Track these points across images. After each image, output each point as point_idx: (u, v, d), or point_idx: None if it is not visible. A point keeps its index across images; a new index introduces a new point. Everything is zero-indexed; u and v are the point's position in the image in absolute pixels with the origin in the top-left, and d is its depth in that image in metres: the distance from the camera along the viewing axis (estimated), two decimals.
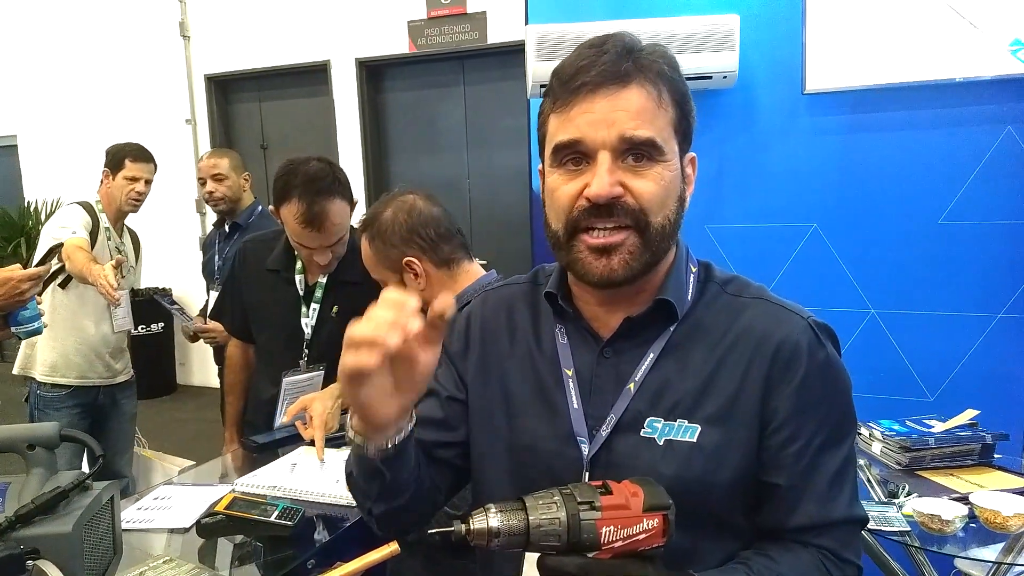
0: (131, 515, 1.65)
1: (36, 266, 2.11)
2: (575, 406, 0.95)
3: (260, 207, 3.38)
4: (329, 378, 2.20)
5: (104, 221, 3.06)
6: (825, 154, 2.83)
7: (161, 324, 6.09)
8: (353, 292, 2.17)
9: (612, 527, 0.75)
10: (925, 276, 2.72)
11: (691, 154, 0.95)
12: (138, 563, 1.48)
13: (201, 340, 3.25)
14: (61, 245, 2.76)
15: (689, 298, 0.96)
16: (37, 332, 2.12)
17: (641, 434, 0.92)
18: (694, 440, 0.90)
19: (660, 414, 0.92)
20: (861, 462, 2.16)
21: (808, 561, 0.90)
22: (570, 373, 0.97)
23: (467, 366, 1.05)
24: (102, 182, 3.07)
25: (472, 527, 0.74)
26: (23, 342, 2.99)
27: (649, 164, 0.87)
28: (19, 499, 1.09)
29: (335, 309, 2.20)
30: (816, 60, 2.72)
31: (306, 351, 2.21)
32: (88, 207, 3.03)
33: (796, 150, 2.86)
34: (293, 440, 2.09)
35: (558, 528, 0.73)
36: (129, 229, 3.25)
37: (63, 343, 3.01)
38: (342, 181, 2.08)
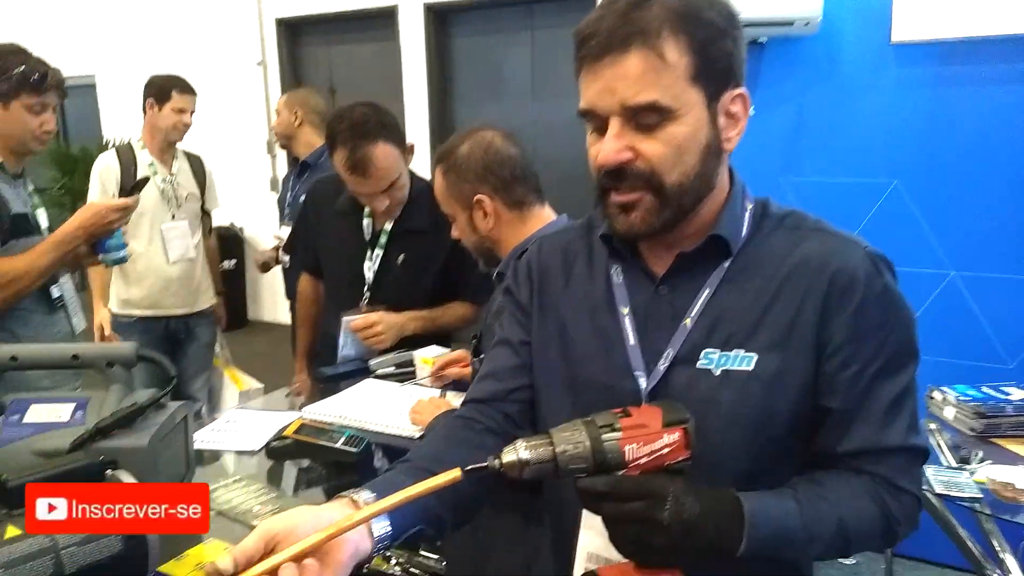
0: (203, 436, 1.72)
1: (123, 197, 2.20)
2: (631, 343, 0.96)
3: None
4: None
5: (146, 158, 3.10)
6: (911, 108, 2.70)
7: (233, 260, 6.26)
8: (419, 241, 2.20)
9: (634, 445, 0.78)
10: (1011, 238, 2.59)
11: (735, 92, 0.91)
12: (210, 481, 1.54)
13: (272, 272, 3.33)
14: (147, 179, 2.84)
15: (744, 233, 0.96)
16: (122, 260, 2.23)
17: (698, 366, 0.92)
18: (751, 368, 0.90)
19: (716, 345, 0.92)
20: (932, 426, 2.10)
21: (859, 487, 0.90)
22: (625, 311, 0.98)
23: (532, 310, 1.07)
24: (145, 113, 3.11)
25: (503, 461, 0.77)
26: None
27: (659, 125, 0.87)
28: (99, 413, 1.13)
29: (401, 258, 2.21)
30: (905, 8, 2.58)
31: (367, 294, 2.24)
32: (124, 150, 3.11)
33: (880, 103, 2.74)
34: (359, 374, 2.15)
35: (583, 452, 0.77)
36: (189, 155, 3.28)
37: (127, 276, 3.13)
38: (388, 125, 2.06)
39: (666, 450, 0.79)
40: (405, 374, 2.13)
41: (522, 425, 1.03)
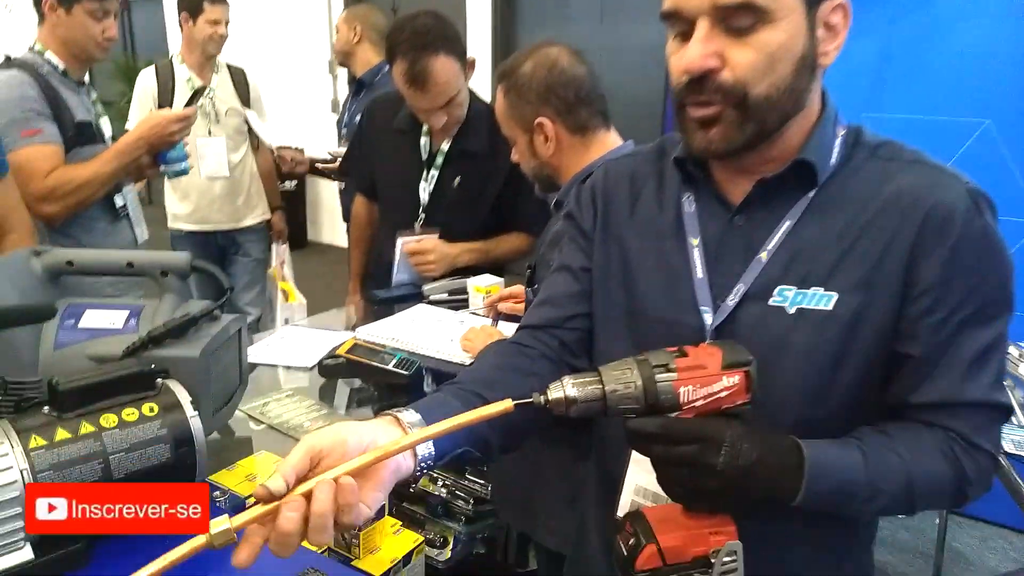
0: (258, 351, 1.74)
1: (184, 108, 2.19)
2: (699, 276, 0.90)
3: (387, 66, 3.33)
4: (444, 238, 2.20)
5: (184, 73, 3.08)
6: (1008, 41, 2.48)
7: (294, 182, 6.30)
8: (476, 164, 2.14)
9: (690, 387, 0.73)
10: None
11: (834, 1, 0.83)
12: (262, 395, 1.56)
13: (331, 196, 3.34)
14: (204, 88, 2.83)
15: (833, 161, 0.88)
16: (183, 172, 2.25)
17: (770, 303, 0.86)
18: (829, 308, 0.84)
19: (793, 282, 0.85)
20: (1006, 383, 1.99)
21: (931, 442, 0.83)
22: (695, 242, 0.91)
23: (594, 237, 1.01)
24: (181, 28, 3.08)
25: (549, 398, 0.74)
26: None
27: (752, 29, 0.79)
28: (152, 322, 1.13)
29: (457, 180, 2.16)
30: None
31: (422, 215, 2.20)
32: (163, 67, 3.09)
33: (974, 35, 2.53)
34: (412, 299, 2.14)
35: (634, 392, 0.73)
36: (232, 68, 3.25)
37: (175, 190, 3.18)
38: (450, 37, 1.97)
39: (724, 393, 0.74)
40: (458, 301, 2.11)
41: (578, 354, 0.98)
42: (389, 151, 2.28)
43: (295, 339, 1.82)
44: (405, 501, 1.70)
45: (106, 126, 2.28)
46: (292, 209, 6.46)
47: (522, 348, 0.97)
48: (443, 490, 1.72)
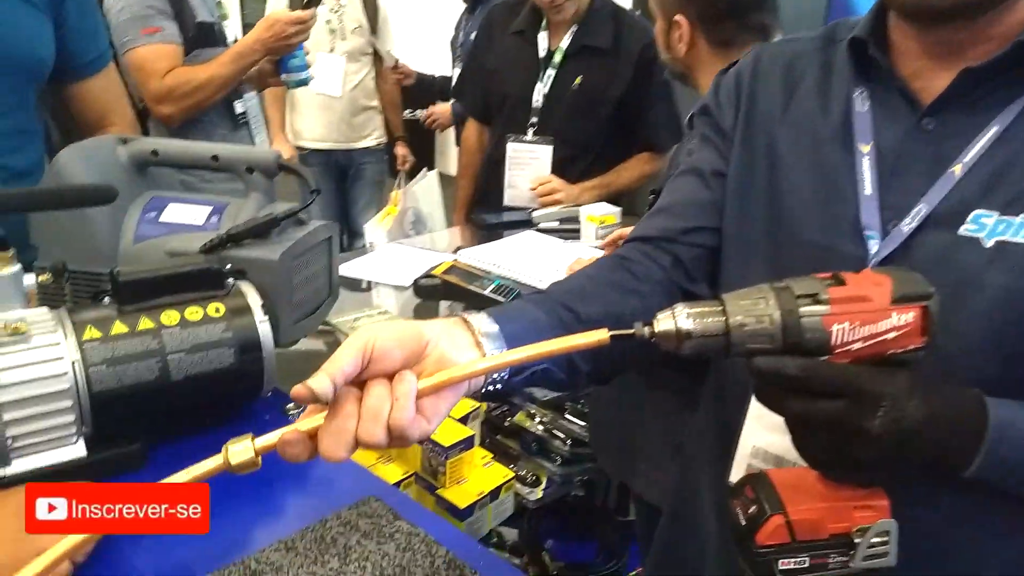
0: (355, 266, 1.67)
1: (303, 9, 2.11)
2: (867, 191, 0.70)
3: None
4: (557, 154, 2.06)
5: None
6: None
7: (421, 111, 6.24)
8: (598, 62, 1.98)
9: (846, 324, 0.56)
10: None
11: None
12: (354, 310, 1.49)
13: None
14: None
15: None
16: (304, 83, 2.16)
17: (961, 232, 0.66)
18: None
19: (994, 206, 0.66)
20: None
21: None
22: (866, 149, 0.71)
23: (735, 136, 0.82)
24: None
25: (657, 329, 0.58)
26: None
27: None
28: (234, 221, 1.06)
29: (578, 81, 2.00)
30: None
31: (534, 120, 2.06)
32: None
33: None
34: (521, 225, 2.02)
35: (769, 328, 0.56)
36: None
37: (294, 106, 3.15)
38: None
39: (892, 335, 0.56)
40: (569, 231, 1.97)
41: (695, 278, 0.81)
42: (506, 55, 2.14)
43: (394, 257, 1.74)
44: (499, 434, 1.60)
45: (229, 30, 2.24)
46: (420, 139, 6.45)
47: (626, 262, 0.79)
48: (539, 427, 1.60)
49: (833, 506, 0.58)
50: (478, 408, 1.41)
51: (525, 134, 2.06)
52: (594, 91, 2.00)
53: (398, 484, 1.32)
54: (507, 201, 2.12)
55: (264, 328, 0.91)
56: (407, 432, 0.56)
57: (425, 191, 3.14)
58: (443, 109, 3.34)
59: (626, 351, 0.74)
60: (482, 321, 0.65)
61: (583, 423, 1.60)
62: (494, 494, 1.32)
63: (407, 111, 3.77)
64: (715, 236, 0.81)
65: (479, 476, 1.34)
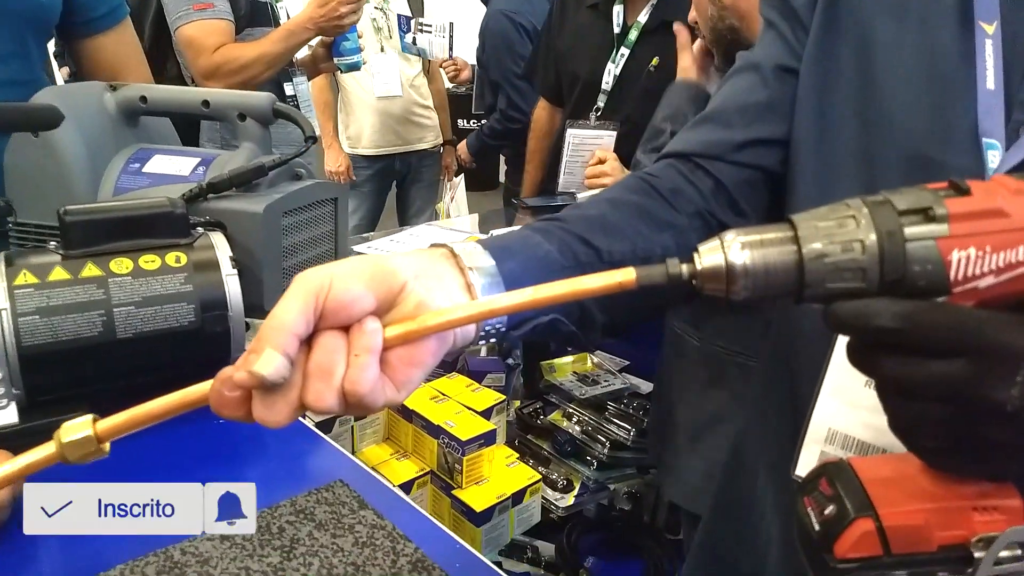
0: (383, 244, 1.55)
1: None
2: (989, 85, 0.52)
3: None
4: (624, 140, 1.85)
5: None
6: None
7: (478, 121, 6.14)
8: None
9: (972, 250, 0.38)
10: None
11: None
12: None
13: None
14: None
15: None
16: (356, 67, 2.11)
17: None
18: None
19: None
20: None
21: None
22: (990, 29, 0.53)
23: (813, 18, 0.62)
24: None
25: (700, 266, 0.41)
26: None
27: None
28: (222, 171, 0.93)
29: (654, 62, 1.81)
30: None
31: (600, 104, 1.89)
32: None
33: None
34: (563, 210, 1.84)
35: (860, 258, 0.39)
36: None
37: (347, 110, 3.04)
38: None
39: None
40: None
41: (743, 211, 0.63)
42: (579, 32, 1.98)
43: (423, 239, 1.61)
44: (530, 433, 1.44)
45: (283, 12, 2.18)
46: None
47: (658, 184, 0.62)
48: (576, 427, 1.44)
49: (943, 507, 0.40)
50: (503, 401, 1.25)
51: (588, 117, 1.90)
52: (672, 74, 1.82)
53: (411, 483, 1.17)
54: (562, 187, 1.96)
55: (233, 283, 0.77)
56: (366, 400, 0.41)
57: (462, 199, 3.04)
58: (464, 62, 3.19)
59: (655, 297, 0.57)
60: (475, 255, 0.50)
61: (627, 425, 1.43)
62: (517, 498, 1.16)
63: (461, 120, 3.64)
64: (776, 152, 0.63)
65: (501, 477, 1.18)
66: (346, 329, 0.42)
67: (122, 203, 0.80)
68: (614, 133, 1.86)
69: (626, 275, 0.41)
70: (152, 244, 0.76)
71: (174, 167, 0.97)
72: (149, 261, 0.74)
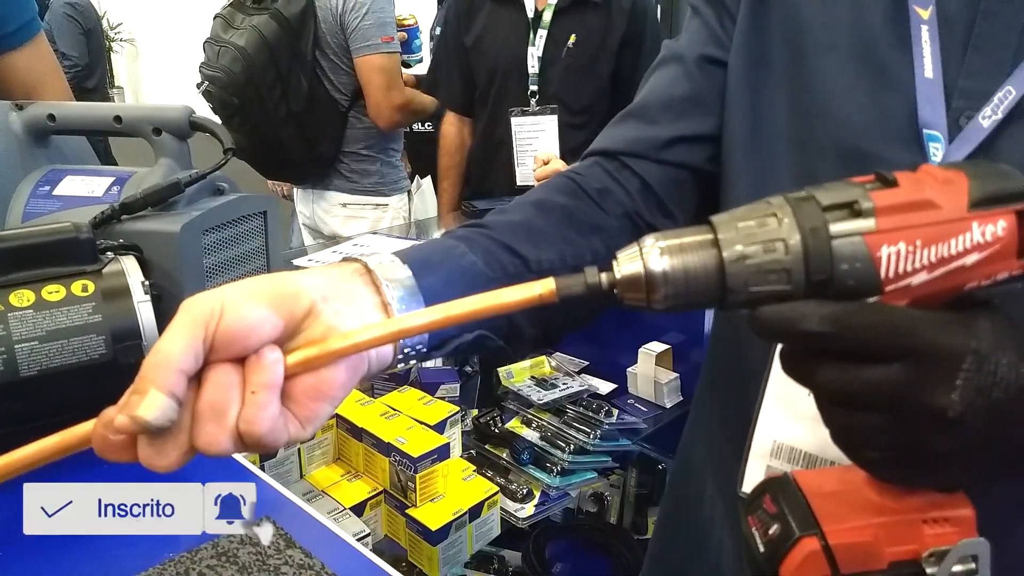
0: (326, 257, 1.50)
1: None
2: (926, 73, 0.50)
3: None
4: (564, 126, 1.89)
5: None
6: None
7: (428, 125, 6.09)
8: (591, 16, 1.84)
9: (901, 245, 0.36)
10: None
11: None
12: None
13: None
14: None
15: None
16: (420, 61, 2.32)
17: None
18: None
19: None
20: None
21: None
22: (925, 14, 0.50)
23: (740, 5, 0.60)
24: None
25: (619, 275, 0.38)
26: None
27: None
28: (138, 190, 0.88)
29: (572, 39, 1.84)
30: None
31: (534, 88, 1.90)
32: None
33: None
34: None
35: (783, 258, 0.36)
36: None
37: None
38: None
39: (972, 258, 0.36)
40: None
41: (671, 213, 0.60)
42: (487, 22, 1.97)
43: (369, 247, 1.57)
44: (488, 442, 1.41)
45: None
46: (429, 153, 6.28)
47: (584, 184, 0.59)
48: (535, 433, 1.40)
49: (892, 521, 0.37)
50: (457, 412, 1.21)
51: (527, 106, 1.90)
52: (590, 48, 1.87)
53: (363, 504, 1.13)
54: (520, 181, 1.96)
55: (146, 310, 0.72)
56: (265, 440, 0.37)
57: (422, 202, 2.98)
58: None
59: (583, 305, 0.54)
60: (391, 268, 0.46)
61: (587, 429, 1.40)
62: (474, 512, 1.12)
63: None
64: (704, 149, 0.60)
65: (457, 491, 1.14)
66: (242, 361, 0.38)
67: (21, 230, 0.74)
68: (554, 116, 1.88)
69: (546, 286, 0.38)
70: (56, 273, 0.70)
71: (87, 188, 0.91)
72: (53, 292, 0.69)
